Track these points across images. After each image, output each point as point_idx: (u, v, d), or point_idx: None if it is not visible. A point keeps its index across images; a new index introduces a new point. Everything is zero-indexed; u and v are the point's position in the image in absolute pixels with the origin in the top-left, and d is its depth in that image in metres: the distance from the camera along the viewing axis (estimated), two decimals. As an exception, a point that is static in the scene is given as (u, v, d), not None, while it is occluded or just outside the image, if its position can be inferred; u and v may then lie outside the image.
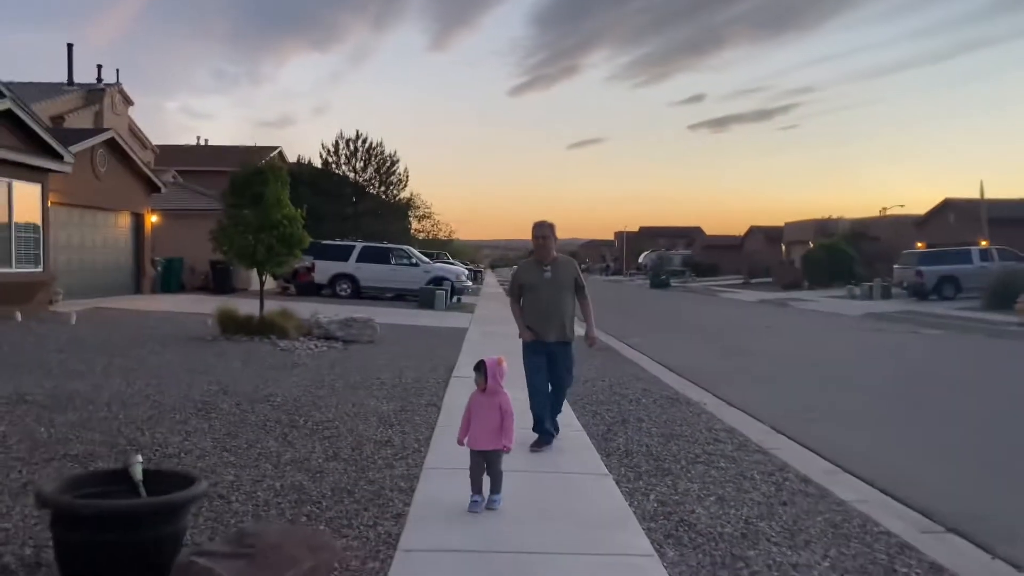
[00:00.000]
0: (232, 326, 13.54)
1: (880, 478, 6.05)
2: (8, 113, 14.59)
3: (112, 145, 21.21)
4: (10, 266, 14.73)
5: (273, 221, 12.99)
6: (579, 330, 6.71)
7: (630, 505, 4.96)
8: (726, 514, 4.88)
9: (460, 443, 4.78)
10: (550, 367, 6.40)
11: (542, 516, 4.64)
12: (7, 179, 14.23)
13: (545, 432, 6.36)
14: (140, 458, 3.68)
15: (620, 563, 3.99)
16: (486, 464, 4.64)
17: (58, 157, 16.00)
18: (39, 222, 15.67)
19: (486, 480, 4.66)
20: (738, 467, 6.04)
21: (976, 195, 37.72)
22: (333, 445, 6.30)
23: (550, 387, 6.42)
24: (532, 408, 6.36)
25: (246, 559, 3.21)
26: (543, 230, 6.42)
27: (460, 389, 8.75)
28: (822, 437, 7.43)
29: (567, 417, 7.33)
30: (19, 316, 14.53)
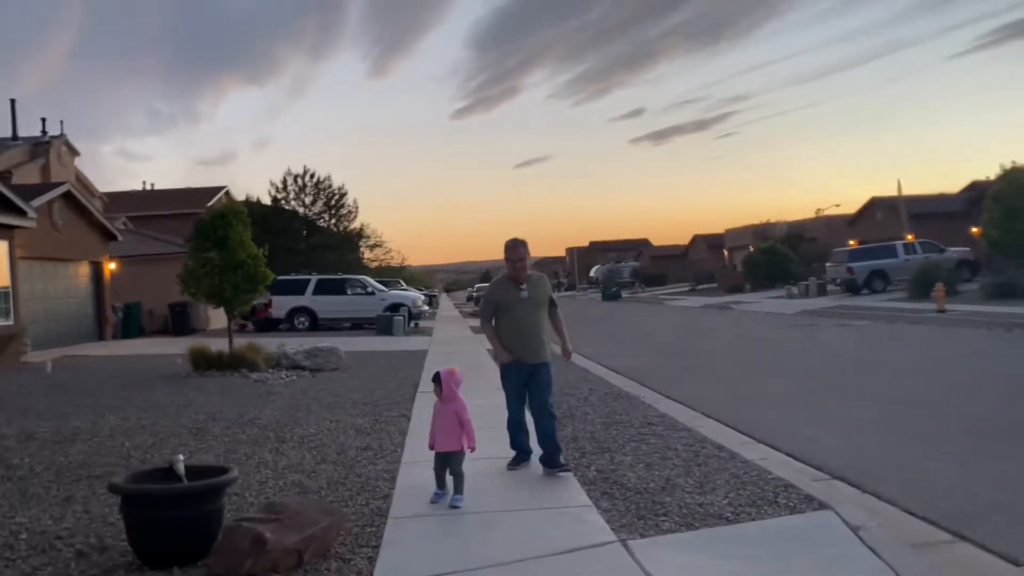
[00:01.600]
0: (204, 363, 14.33)
1: (785, 444, 7.25)
2: (-27, 175, 15.24)
3: (68, 197, 21.80)
4: (-17, 321, 15.32)
5: (238, 261, 13.88)
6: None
7: (575, 474, 6.06)
8: (651, 475, 6.01)
9: (431, 448, 5.59)
10: (530, 390, 6.21)
11: (504, 487, 5.72)
12: (-24, 238, 14.87)
13: (521, 450, 6.33)
14: (181, 457, 4.66)
15: (564, 513, 5.08)
16: (449, 464, 5.45)
17: (22, 213, 16.66)
18: (7, 277, 16.28)
19: (448, 478, 5.44)
20: (665, 442, 7.19)
21: (887, 193, 40.13)
22: (320, 452, 7.28)
23: (534, 414, 6.23)
24: (509, 428, 6.35)
25: (277, 522, 4.22)
26: (519, 252, 6.23)
27: (426, 401, 9.76)
28: (743, 417, 8.64)
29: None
30: (-5, 368, 15.11)
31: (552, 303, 6.40)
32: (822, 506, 5.18)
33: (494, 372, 13.28)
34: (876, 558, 4.40)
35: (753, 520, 4.96)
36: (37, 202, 18.73)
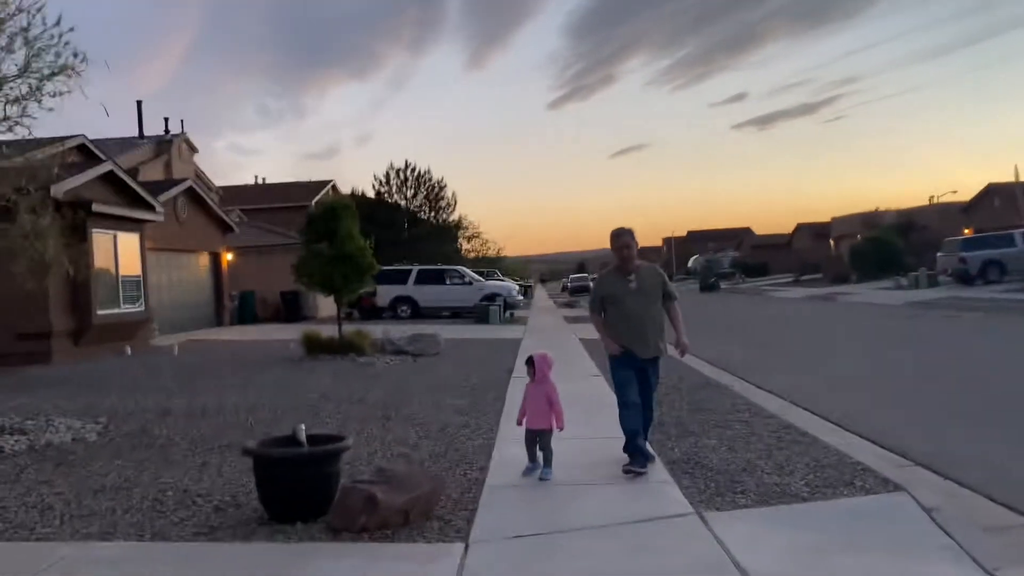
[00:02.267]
0: (316, 347, 15.27)
1: (871, 431, 7.36)
2: (110, 174, 16.68)
3: (190, 192, 23.38)
4: (118, 307, 16.76)
5: (347, 252, 14.71)
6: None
7: (659, 455, 6.40)
8: (733, 457, 6.30)
9: (519, 424, 6.15)
10: (638, 384, 5.97)
11: (589, 465, 6.13)
12: (112, 231, 16.27)
13: (639, 452, 5.85)
14: (303, 426, 5.28)
15: (646, 488, 5.46)
16: (538, 440, 5.93)
17: (151, 208, 18.08)
18: (139, 267, 17.72)
19: (538, 453, 5.91)
20: (750, 428, 7.43)
21: (1005, 179, 38.11)
22: (423, 429, 7.87)
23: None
24: (623, 423, 5.93)
25: (387, 484, 4.77)
26: (625, 238, 6.00)
27: (520, 386, 10.19)
28: (831, 405, 8.74)
29: (609, 397, 8.78)
30: (128, 350, 16.54)
31: (667, 295, 6.11)
32: (897, 488, 5.37)
33: (586, 360, 13.71)
34: (947, 537, 4.59)
35: (828, 499, 5.20)
36: (163, 197, 20.22)
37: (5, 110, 7.80)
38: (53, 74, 7.92)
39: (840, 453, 6.36)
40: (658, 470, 5.94)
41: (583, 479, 5.75)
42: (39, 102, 7.85)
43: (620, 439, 7.11)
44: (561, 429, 5.96)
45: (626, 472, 5.70)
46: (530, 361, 6.15)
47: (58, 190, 13.13)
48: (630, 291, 5.99)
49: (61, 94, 8.00)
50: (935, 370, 11.74)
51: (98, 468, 6.54)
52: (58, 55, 8.10)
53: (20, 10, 8.03)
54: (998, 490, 5.53)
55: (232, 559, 4.33)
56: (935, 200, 55.35)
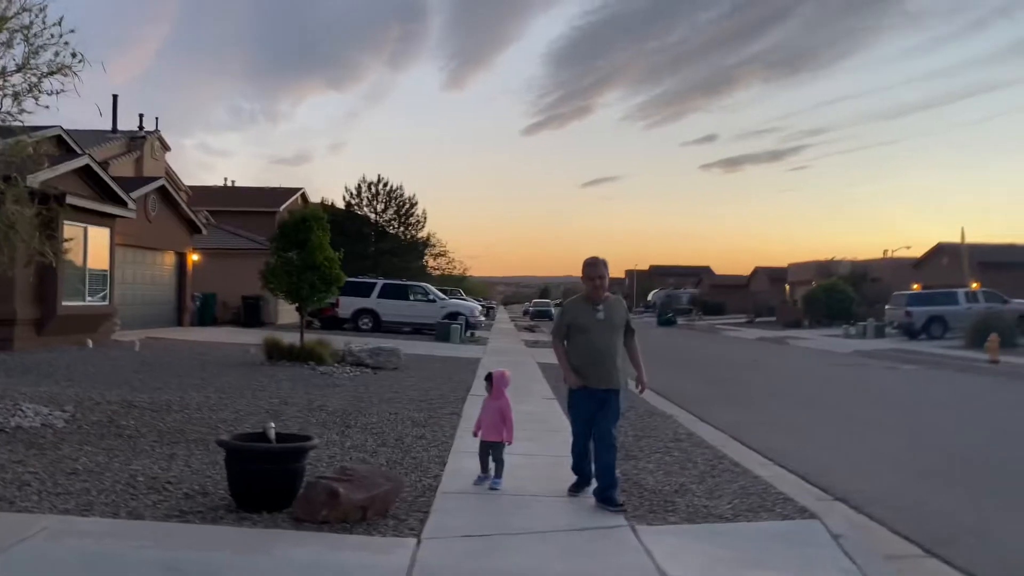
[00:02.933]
0: (276, 353, 15.55)
1: (799, 467, 7.94)
2: (85, 168, 16.85)
3: (162, 191, 23.52)
4: (83, 300, 16.87)
5: (316, 263, 15.07)
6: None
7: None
8: (668, 480, 6.82)
9: (475, 435, 6.61)
10: (596, 417, 5.93)
11: (537, 479, 6.60)
12: (83, 224, 16.41)
13: (582, 476, 6.13)
14: (273, 425, 5.67)
15: (587, 503, 5.94)
16: (491, 452, 6.40)
17: (123, 204, 18.24)
18: (107, 261, 17.85)
19: (491, 464, 6.38)
20: (687, 456, 7.97)
21: (968, 239, 39.78)
22: (380, 437, 8.28)
23: (595, 443, 5.98)
24: (573, 452, 6.20)
25: (348, 482, 5.19)
26: (600, 268, 6.00)
27: (476, 403, 10.68)
28: (767, 442, 9.33)
29: (560, 420, 9.26)
30: (90, 343, 16.63)
31: (629, 329, 6.13)
32: (812, 516, 5.93)
33: (542, 384, 14.20)
34: (849, 561, 5.13)
35: (749, 522, 5.74)
36: (135, 194, 20.36)
37: (2, 104, 8.10)
38: (51, 72, 8.24)
39: (767, 484, 6.92)
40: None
41: (530, 491, 6.21)
42: (36, 99, 8.17)
43: (567, 458, 7.62)
44: (510, 443, 6.42)
45: (570, 494, 6.10)
46: (489, 377, 6.62)
47: (34, 180, 13.31)
48: (597, 321, 5.93)
49: (58, 92, 8.33)
50: (868, 416, 12.45)
51: (68, 452, 6.83)
52: (57, 54, 8.44)
53: (24, 9, 8.37)
54: (904, 524, 6.12)
55: (203, 538, 4.71)
56: (889, 253, 57.19)
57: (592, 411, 5.95)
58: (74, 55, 8.53)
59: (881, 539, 5.84)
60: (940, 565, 5.33)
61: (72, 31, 8.47)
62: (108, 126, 35.97)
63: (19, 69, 8.35)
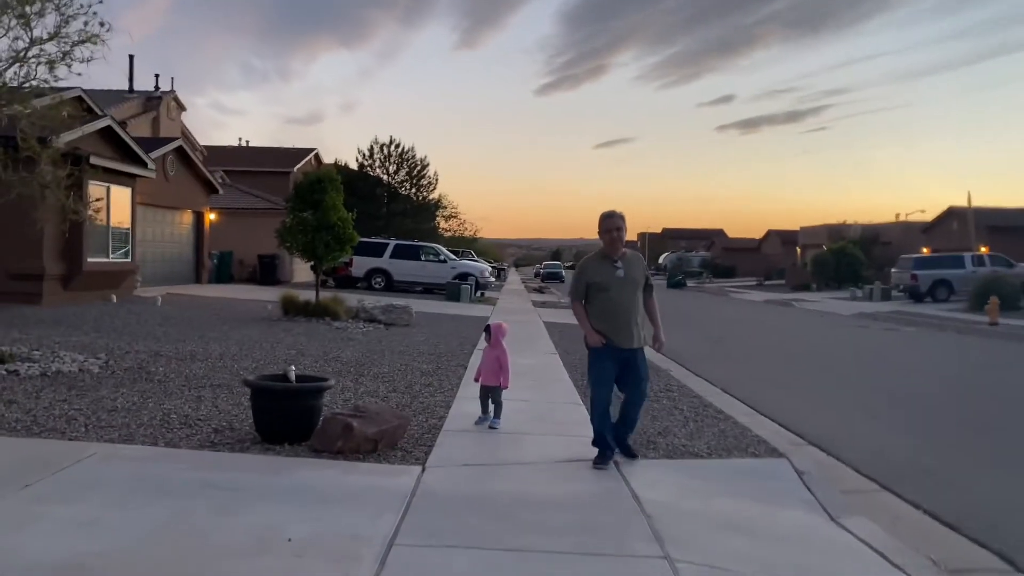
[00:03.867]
0: (293, 309, 16.21)
1: (780, 416, 8.54)
2: (107, 129, 17.41)
3: (179, 151, 24.07)
4: (108, 256, 17.54)
5: (330, 223, 15.66)
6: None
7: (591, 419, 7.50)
8: (653, 425, 7.42)
9: (476, 380, 7.24)
10: (622, 378, 5.78)
11: (534, 419, 7.22)
12: (106, 184, 17.01)
13: (607, 447, 5.79)
14: (293, 367, 6.29)
15: (576, 440, 6.55)
16: (490, 395, 7.03)
17: (144, 165, 18.82)
18: (129, 219, 18.49)
19: (491, 406, 7.02)
20: (674, 404, 8.58)
21: (982, 203, 39.87)
22: (392, 385, 8.91)
23: (627, 403, 5.90)
24: (593, 421, 5.86)
25: (362, 417, 5.81)
26: (616, 221, 5.78)
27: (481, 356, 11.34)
28: (754, 394, 9.91)
29: (560, 372, 9.86)
30: (114, 298, 17.36)
31: (648, 285, 5.96)
32: (781, 456, 6.53)
33: (546, 340, 14.81)
34: (809, 493, 5.73)
35: (722, 459, 6.34)
36: (154, 154, 20.93)
37: (37, 71, 8.65)
38: (82, 41, 8.77)
39: (745, 428, 7.51)
40: (586, 426, 7.03)
41: (526, 430, 6.83)
42: (69, 66, 8.70)
43: (564, 404, 8.25)
44: (507, 387, 7.02)
45: (595, 466, 5.67)
46: (487, 329, 7.21)
47: (60, 142, 13.89)
48: (617, 278, 5.72)
49: (88, 60, 8.86)
50: (856, 373, 13.00)
51: (107, 394, 7.50)
52: (86, 24, 8.96)
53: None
54: (866, 465, 6.71)
55: (233, 463, 5.35)
56: (901, 217, 57.19)
57: (613, 372, 5.73)
58: (102, 24, 9.06)
59: (843, 476, 6.44)
60: (890, 497, 5.93)
61: (101, 1, 8.99)
62: (124, 86, 36.47)
63: (52, 37, 8.88)
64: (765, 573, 4.11)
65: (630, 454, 6.01)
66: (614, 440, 5.87)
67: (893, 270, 36.53)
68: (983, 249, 37.06)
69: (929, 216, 50.77)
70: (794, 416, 8.64)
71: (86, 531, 3.94)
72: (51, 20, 8.98)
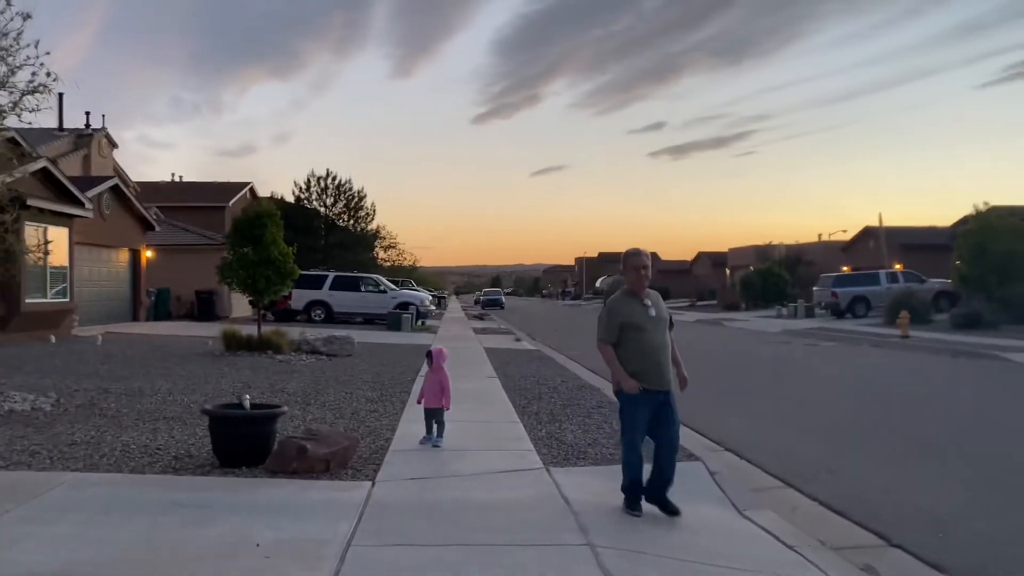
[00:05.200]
0: (235, 344, 16.46)
1: (701, 426, 9.27)
2: (43, 169, 17.50)
3: (115, 190, 24.07)
4: (46, 296, 17.53)
5: (271, 257, 16.02)
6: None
7: (528, 434, 8.13)
8: (584, 437, 8.09)
9: (419, 403, 7.80)
10: (656, 423, 5.50)
11: (472, 437, 7.80)
12: (43, 224, 17.06)
13: (640, 491, 5.53)
14: (247, 396, 6.76)
15: (513, 452, 7.16)
16: (433, 416, 7.59)
17: (80, 204, 18.90)
18: (67, 259, 18.51)
19: (434, 426, 7.55)
20: (605, 419, 9.26)
21: (890, 223, 42.13)
22: (338, 412, 9.39)
23: (661, 448, 5.56)
24: (629, 468, 5.52)
25: (314, 440, 6.32)
26: (643, 259, 5.53)
27: (424, 382, 11.87)
28: (681, 407, 10.64)
29: (500, 394, 10.47)
30: (53, 339, 17.33)
31: (671, 323, 5.73)
32: (697, 459, 7.24)
33: (487, 366, 15.42)
34: (720, 491, 6.44)
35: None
36: (90, 193, 20.98)
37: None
38: (31, 92, 9.12)
39: (667, 437, 8.22)
40: (526, 443, 7.67)
41: (468, 447, 7.41)
42: (19, 116, 9.04)
43: (503, 423, 8.85)
44: (448, 409, 7.59)
45: (631, 512, 5.46)
46: (429, 354, 7.80)
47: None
48: (651, 318, 5.46)
49: (36, 110, 9.21)
50: (774, 384, 13.95)
51: (63, 429, 7.82)
52: (34, 74, 9.31)
53: (2, 33, 9.22)
54: (775, 466, 7.48)
55: (197, 485, 5.80)
56: (823, 237, 59.71)
57: (648, 419, 5.49)
58: (49, 74, 9.43)
59: (752, 476, 7.19)
60: (793, 492, 6.69)
61: (47, 53, 9.36)
62: (53, 124, 36.03)
63: (1, 86, 9.21)
64: (677, 554, 4.77)
65: (672, 510, 5.50)
66: (652, 497, 5.55)
67: (815, 288, 38.29)
68: (897, 266, 39.16)
69: (850, 236, 53.25)
70: (714, 424, 9.40)
71: (70, 545, 4.38)
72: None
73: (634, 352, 5.43)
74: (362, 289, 31.16)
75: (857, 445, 8.77)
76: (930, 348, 21.26)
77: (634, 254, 5.58)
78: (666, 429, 5.54)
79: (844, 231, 54.46)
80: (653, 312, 5.50)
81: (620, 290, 5.69)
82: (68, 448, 6.94)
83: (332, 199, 46.70)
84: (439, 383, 7.56)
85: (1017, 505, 6.42)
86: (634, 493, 5.55)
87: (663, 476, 5.56)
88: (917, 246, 44.39)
